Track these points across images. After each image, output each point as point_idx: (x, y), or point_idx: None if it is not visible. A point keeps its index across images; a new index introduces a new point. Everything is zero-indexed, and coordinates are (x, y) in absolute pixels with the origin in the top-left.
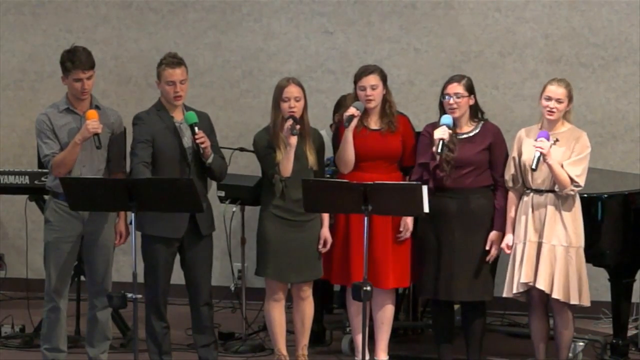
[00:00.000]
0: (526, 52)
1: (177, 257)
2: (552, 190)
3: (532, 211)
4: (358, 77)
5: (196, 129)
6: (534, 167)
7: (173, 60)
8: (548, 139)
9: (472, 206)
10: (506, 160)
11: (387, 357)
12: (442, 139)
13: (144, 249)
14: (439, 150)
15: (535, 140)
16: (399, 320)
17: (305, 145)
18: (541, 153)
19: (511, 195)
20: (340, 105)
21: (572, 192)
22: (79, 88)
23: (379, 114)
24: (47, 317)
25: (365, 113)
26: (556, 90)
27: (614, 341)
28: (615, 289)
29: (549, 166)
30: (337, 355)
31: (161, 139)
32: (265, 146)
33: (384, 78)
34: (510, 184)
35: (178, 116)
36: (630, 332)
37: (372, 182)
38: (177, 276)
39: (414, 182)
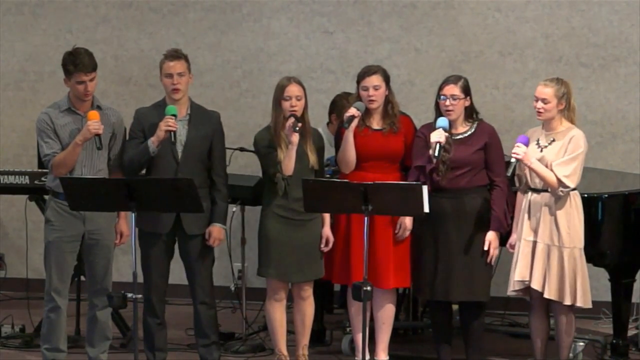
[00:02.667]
0: (526, 52)
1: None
2: (547, 190)
3: (530, 210)
4: (361, 77)
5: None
6: (508, 174)
7: (172, 54)
8: (527, 144)
9: (468, 206)
10: (502, 160)
11: (387, 357)
12: (439, 142)
13: (139, 244)
14: (436, 154)
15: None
16: (399, 320)
17: (306, 144)
18: (517, 159)
19: (519, 196)
20: (336, 104)
21: (561, 194)
22: (81, 90)
23: (382, 114)
24: (47, 317)
25: (368, 113)
26: (542, 90)
27: (614, 341)
28: (615, 289)
29: (532, 170)
30: (337, 355)
31: (152, 134)
32: (267, 145)
33: (386, 78)
34: (517, 184)
35: (179, 112)
36: (630, 332)
37: (372, 182)
38: (177, 276)
39: (414, 182)
